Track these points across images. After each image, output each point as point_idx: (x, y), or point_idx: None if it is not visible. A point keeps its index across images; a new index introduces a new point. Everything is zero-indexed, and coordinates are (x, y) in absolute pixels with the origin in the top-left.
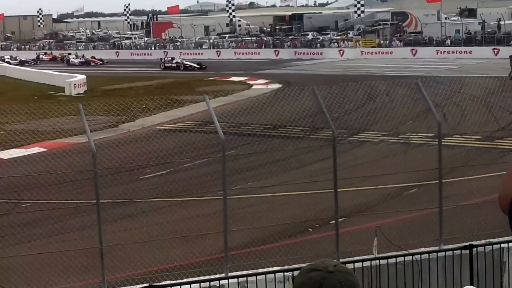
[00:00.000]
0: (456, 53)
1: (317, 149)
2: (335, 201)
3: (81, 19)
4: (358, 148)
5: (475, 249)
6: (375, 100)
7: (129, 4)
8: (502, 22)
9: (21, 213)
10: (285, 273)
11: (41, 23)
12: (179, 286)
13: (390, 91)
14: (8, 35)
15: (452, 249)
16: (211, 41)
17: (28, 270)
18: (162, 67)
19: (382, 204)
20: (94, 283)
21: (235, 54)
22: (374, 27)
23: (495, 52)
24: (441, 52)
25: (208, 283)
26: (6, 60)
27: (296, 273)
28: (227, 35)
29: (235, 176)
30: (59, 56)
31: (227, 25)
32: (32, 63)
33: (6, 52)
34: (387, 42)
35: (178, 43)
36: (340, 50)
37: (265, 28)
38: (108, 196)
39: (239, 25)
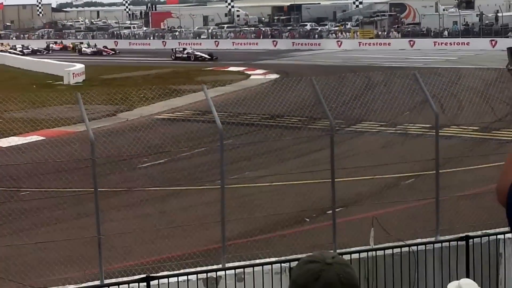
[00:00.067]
0: (454, 44)
1: (315, 139)
2: (332, 191)
3: (80, 8)
4: (356, 138)
5: (471, 240)
6: (373, 91)
7: None
8: (499, 14)
9: (19, 201)
10: (282, 265)
11: (40, 12)
12: (176, 277)
13: (387, 82)
14: (8, 24)
15: (449, 240)
16: (210, 31)
17: (26, 259)
18: (173, 57)
19: (379, 194)
20: (91, 273)
21: (233, 45)
22: (372, 18)
23: (493, 44)
24: (439, 44)
25: (205, 274)
26: (19, 49)
27: (293, 264)
28: (225, 25)
29: (233, 166)
30: (71, 45)
31: (226, 15)
32: (45, 52)
33: (5, 40)
34: (385, 33)
35: (177, 33)
36: (338, 41)
37: (263, 18)
38: (106, 185)
39: (238, 15)
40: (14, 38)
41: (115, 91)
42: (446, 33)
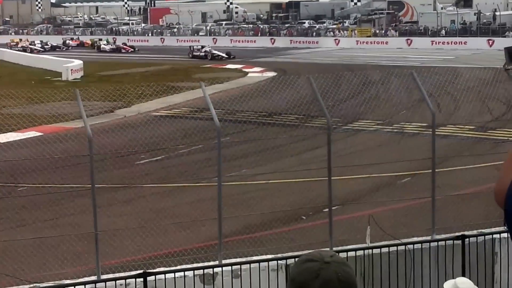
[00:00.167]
0: (451, 43)
1: (312, 137)
2: (328, 189)
3: (79, 4)
4: (353, 136)
5: (467, 239)
6: (370, 89)
7: None
8: (497, 13)
9: (17, 197)
10: (279, 262)
11: (40, 7)
12: (173, 274)
13: (384, 80)
14: (7, 19)
15: (445, 239)
16: (208, 28)
17: (23, 254)
18: (190, 55)
19: (376, 192)
20: (88, 269)
21: (231, 42)
22: (370, 16)
23: (490, 43)
24: (436, 43)
25: (202, 270)
26: (38, 45)
27: (289, 261)
28: (223, 22)
29: (230, 163)
30: (89, 42)
31: (224, 12)
32: (64, 49)
33: (4, 36)
34: (383, 31)
35: (175, 30)
36: (336, 39)
37: (261, 15)
38: (103, 181)
39: (236, 12)
40: (12, 33)
41: (113, 88)
42: (443, 32)
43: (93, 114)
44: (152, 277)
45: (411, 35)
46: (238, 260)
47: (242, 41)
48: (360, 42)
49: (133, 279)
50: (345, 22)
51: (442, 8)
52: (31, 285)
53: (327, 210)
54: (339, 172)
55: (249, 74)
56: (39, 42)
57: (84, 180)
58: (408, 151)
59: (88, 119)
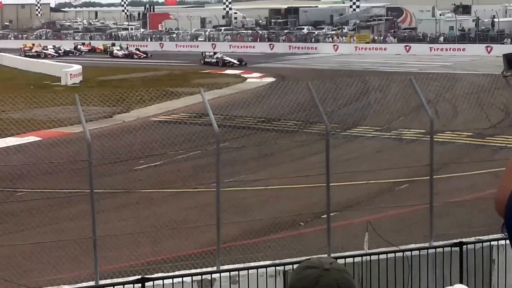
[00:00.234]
0: (450, 50)
1: (310, 143)
2: (327, 195)
3: (78, 8)
4: (351, 142)
5: (465, 246)
6: (369, 96)
7: None
8: (496, 20)
9: (15, 202)
10: (277, 268)
11: (39, 12)
12: (171, 279)
13: (383, 87)
14: (6, 23)
15: (443, 246)
16: (207, 33)
17: (21, 260)
18: (202, 62)
19: (374, 199)
20: (87, 274)
21: (230, 47)
22: (369, 23)
23: (488, 50)
24: (434, 49)
25: (200, 276)
26: (51, 50)
27: (287, 267)
28: (222, 28)
29: (228, 169)
30: (101, 47)
31: (223, 17)
32: (77, 54)
33: (4, 41)
34: (381, 38)
35: (174, 35)
36: (334, 45)
37: (260, 21)
38: (102, 186)
39: (235, 18)
40: (12, 38)
41: (111, 93)
42: (442, 38)
43: (92, 119)
44: (150, 283)
45: (409, 41)
46: (236, 266)
47: (241, 47)
48: (359, 48)
49: (131, 285)
50: (344, 28)
51: (440, 15)
52: None
53: (325, 216)
54: (338, 178)
55: (248, 80)
56: (51, 47)
57: (83, 185)
58: (406, 158)
59: (87, 124)
